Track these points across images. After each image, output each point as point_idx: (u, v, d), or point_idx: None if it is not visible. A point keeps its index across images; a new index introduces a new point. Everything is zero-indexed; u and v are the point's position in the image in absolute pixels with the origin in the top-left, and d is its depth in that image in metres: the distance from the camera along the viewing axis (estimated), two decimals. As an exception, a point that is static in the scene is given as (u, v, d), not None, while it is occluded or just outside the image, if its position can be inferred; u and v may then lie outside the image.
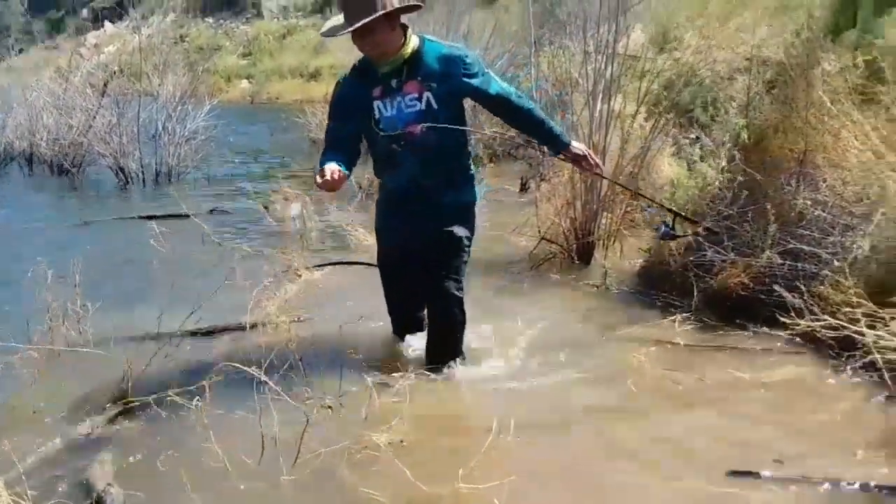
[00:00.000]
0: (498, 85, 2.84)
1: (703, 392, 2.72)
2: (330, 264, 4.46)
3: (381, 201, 3.08)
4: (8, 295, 3.97)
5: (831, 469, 2.14)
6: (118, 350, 2.68)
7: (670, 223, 3.27)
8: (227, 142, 9.99)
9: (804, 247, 3.21)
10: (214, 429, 2.27)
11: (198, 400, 2.41)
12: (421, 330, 3.09)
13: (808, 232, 3.28)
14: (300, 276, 4.09)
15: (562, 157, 3.00)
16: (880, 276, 2.95)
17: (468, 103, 2.96)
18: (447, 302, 2.86)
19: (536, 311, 3.56)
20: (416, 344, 3.05)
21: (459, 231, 2.88)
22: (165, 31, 23.51)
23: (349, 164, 2.77)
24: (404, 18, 2.77)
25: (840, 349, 2.73)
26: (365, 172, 4.68)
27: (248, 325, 3.14)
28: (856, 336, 2.40)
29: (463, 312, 2.89)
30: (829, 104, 3.65)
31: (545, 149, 3.26)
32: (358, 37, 2.69)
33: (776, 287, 3.07)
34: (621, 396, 2.70)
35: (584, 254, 4.34)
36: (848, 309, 2.48)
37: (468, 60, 2.80)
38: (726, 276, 3.35)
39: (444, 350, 2.88)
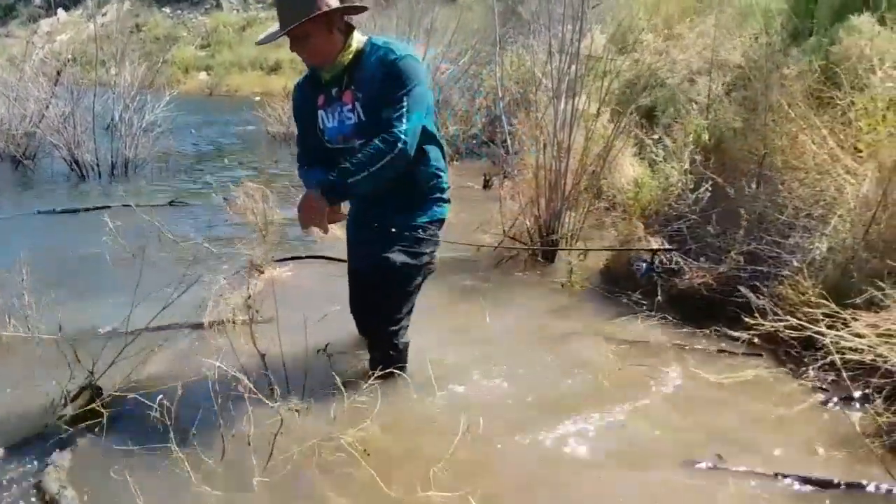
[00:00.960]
0: (399, 117, 2.41)
1: (664, 390, 2.74)
2: (291, 259, 4.40)
3: (349, 212, 2.90)
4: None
5: (787, 466, 2.20)
6: (72, 348, 2.59)
7: (649, 259, 3.33)
8: (186, 134, 9.80)
9: (765, 248, 3.26)
10: (176, 429, 2.22)
11: (162, 398, 2.35)
12: None
13: (768, 235, 3.34)
14: (262, 272, 4.03)
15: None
16: (836, 277, 3.02)
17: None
18: (382, 351, 2.68)
19: (501, 309, 3.57)
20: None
21: (398, 258, 2.59)
22: (121, 20, 22.99)
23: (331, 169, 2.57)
24: (357, 20, 2.62)
25: (801, 349, 2.78)
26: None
27: (207, 324, 3.08)
28: (816, 336, 2.44)
29: (400, 351, 2.71)
30: (787, 107, 3.72)
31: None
32: (293, 43, 2.50)
33: (739, 288, 3.12)
34: (586, 394, 2.72)
35: (548, 252, 4.35)
36: (808, 309, 2.52)
37: (398, 70, 2.44)
38: (690, 276, 3.39)
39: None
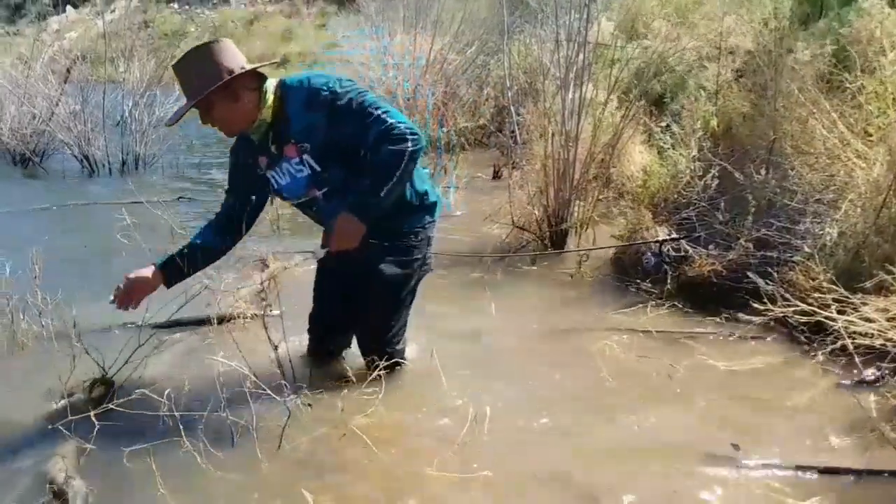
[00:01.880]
0: (382, 120, 2.28)
1: (675, 378, 2.73)
2: (298, 254, 4.40)
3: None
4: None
5: (802, 454, 2.18)
6: (82, 342, 2.61)
7: (657, 249, 3.31)
8: (196, 130, 9.80)
9: (775, 234, 3.24)
10: (184, 421, 2.24)
11: (176, 389, 2.37)
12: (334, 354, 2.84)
13: (777, 221, 3.32)
14: (269, 266, 4.03)
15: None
16: (847, 262, 3.00)
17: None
18: (378, 355, 2.55)
19: (510, 299, 3.56)
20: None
21: (389, 270, 2.52)
22: (129, 16, 23.04)
23: (224, 239, 2.55)
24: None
25: (811, 335, 2.76)
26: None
27: (215, 319, 3.09)
28: (826, 321, 2.42)
29: (397, 354, 2.65)
30: (797, 92, 3.69)
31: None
32: (203, 116, 2.35)
33: (749, 274, 3.10)
34: (595, 384, 2.70)
35: (557, 241, 4.34)
36: (818, 295, 2.50)
37: (334, 98, 2.30)
38: (699, 264, 3.37)
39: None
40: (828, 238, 3.05)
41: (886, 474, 2.08)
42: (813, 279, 2.78)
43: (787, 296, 2.65)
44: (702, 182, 3.89)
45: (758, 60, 4.39)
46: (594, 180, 4.49)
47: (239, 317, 3.21)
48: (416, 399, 2.57)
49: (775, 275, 3.03)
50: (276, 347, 2.58)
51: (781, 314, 2.61)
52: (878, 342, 2.32)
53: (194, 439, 2.20)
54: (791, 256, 3.11)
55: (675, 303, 3.37)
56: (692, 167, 4.07)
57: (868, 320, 2.34)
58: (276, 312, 2.80)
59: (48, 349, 2.95)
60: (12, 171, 8.02)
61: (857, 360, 2.34)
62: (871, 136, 3.34)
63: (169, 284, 2.58)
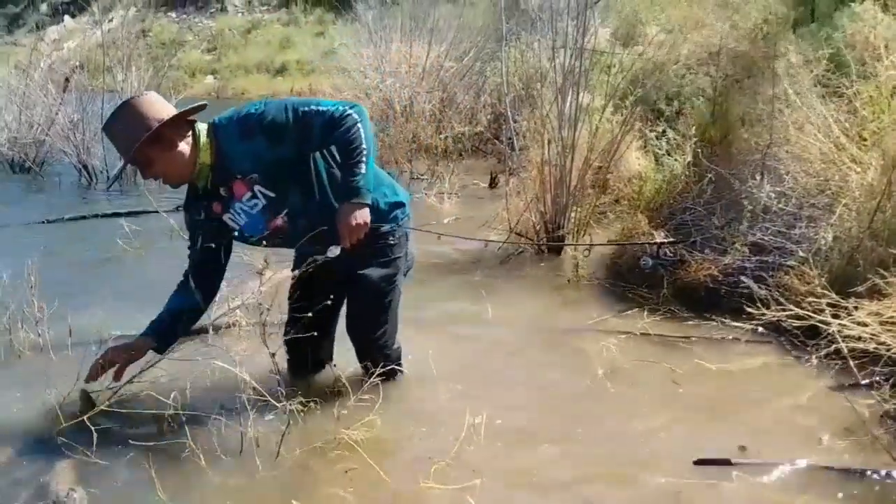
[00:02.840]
0: (320, 112, 2.29)
1: (672, 382, 2.74)
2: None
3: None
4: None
5: (797, 456, 2.19)
6: (80, 351, 2.62)
7: (654, 253, 3.32)
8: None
9: (770, 239, 3.26)
10: (184, 429, 2.25)
11: (174, 398, 2.38)
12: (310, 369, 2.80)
13: (772, 225, 3.33)
14: (265, 275, 4.02)
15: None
16: (841, 266, 3.01)
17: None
18: (373, 359, 2.55)
19: (507, 305, 3.57)
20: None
21: (374, 273, 2.53)
22: (127, 25, 23.09)
23: (205, 296, 2.52)
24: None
25: (805, 339, 2.77)
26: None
27: (211, 327, 3.09)
28: (821, 325, 2.44)
29: (392, 357, 2.66)
30: (794, 96, 3.70)
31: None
32: (143, 171, 2.34)
33: (744, 279, 3.12)
34: (592, 389, 2.72)
35: (553, 247, 4.35)
36: (812, 299, 2.51)
37: (263, 118, 2.29)
38: (695, 268, 3.39)
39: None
40: (822, 242, 3.06)
41: (883, 473, 2.09)
42: (807, 283, 2.80)
43: (782, 300, 2.66)
44: (697, 187, 3.91)
45: (753, 65, 4.41)
46: (591, 187, 4.51)
47: (236, 325, 3.21)
48: (412, 407, 2.58)
49: (770, 279, 3.05)
50: (273, 355, 2.59)
51: (776, 318, 2.63)
52: (871, 346, 2.33)
53: (194, 447, 2.21)
54: (786, 261, 3.12)
55: (672, 307, 3.39)
56: (688, 172, 4.08)
57: (862, 324, 2.35)
58: (269, 320, 2.79)
59: (45, 359, 2.96)
60: (10, 180, 8.03)
61: (851, 363, 2.34)
62: (865, 140, 3.35)
63: (160, 349, 2.52)
